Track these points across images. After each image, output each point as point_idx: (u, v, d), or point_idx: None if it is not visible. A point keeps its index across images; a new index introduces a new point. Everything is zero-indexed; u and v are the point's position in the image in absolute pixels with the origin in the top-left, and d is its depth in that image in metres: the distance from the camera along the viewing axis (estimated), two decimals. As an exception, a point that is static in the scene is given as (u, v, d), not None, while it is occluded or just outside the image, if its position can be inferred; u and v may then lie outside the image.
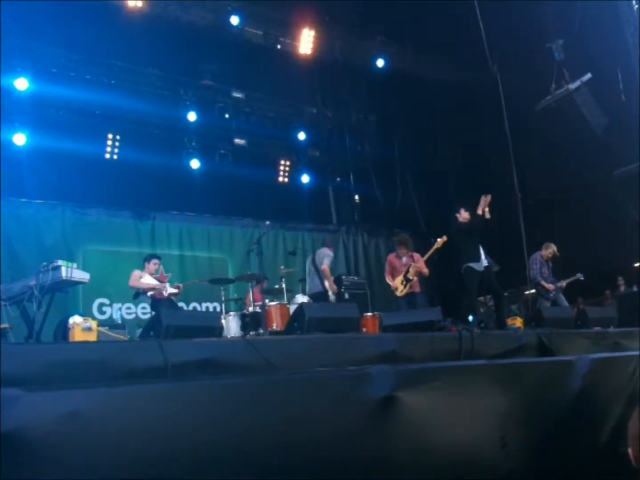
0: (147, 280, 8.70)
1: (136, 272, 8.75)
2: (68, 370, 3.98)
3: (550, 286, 9.87)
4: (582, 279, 10.10)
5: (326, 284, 9.85)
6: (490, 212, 8.27)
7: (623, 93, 10.62)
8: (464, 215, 8.47)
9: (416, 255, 9.59)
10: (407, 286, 9.26)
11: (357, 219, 15.21)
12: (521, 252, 9.22)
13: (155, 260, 9.00)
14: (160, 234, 11.72)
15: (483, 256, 8.20)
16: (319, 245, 13.58)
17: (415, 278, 9.32)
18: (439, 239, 9.31)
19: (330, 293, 9.83)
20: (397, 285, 9.35)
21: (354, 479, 3.34)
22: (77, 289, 9.29)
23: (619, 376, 4.57)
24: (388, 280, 9.63)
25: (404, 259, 9.53)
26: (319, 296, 9.76)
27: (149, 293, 8.63)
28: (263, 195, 13.21)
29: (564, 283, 10.07)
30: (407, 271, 9.32)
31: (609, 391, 4.47)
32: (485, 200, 8.23)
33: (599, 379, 4.47)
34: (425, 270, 9.40)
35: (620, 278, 11.80)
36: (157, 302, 8.57)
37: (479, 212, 8.26)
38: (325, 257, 10.01)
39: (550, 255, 10.14)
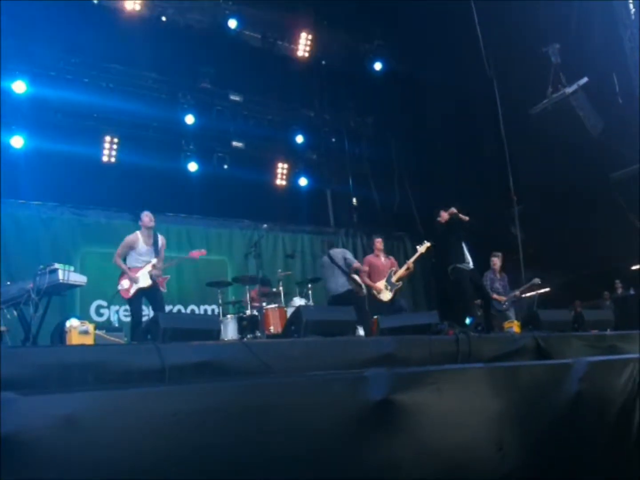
0: (131, 259, 7.73)
1: (128, 238, 7.77)
2: (65, 374, 3.98)
3: (501, 297, 9.86)
4: (539, 282, 10.03)
5: (358, 279, 9.35)
6: (464, 214, 8.27)
7: (620, 96, 10.64)
8: (443, 217, 8.43)
9: (393, 259, 9.61)
10: (393, 292, 9.17)
11: (356, 221, 15.18)
12: (517, 253, 9.24)
13: (147, 212, 7.89)
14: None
15: (468, 256, 8.21)
16: (318, 247, 13.57)
17: (400, 284, 9.27)
18: (422, 245, 9.31)
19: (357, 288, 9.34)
20: (381, 288, 9.12)
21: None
22: (75, 291, 9.20)
23: (616, 379, 4.57)
24: (366, 282, 9.26)
25: (383, 259, 9.44)
26: (347, 295, 9.18)
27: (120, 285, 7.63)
28: (261, 198, 13.23)
29: (517, 292, 10.01)
30: (390, 276, 9.25)
31: (606, 394, 4.48)
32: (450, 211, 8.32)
33: (596, 382, 4.47)
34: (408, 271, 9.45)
35: (617, 281, 11.82)
36: (135, 296, 7.63)
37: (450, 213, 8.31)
38: (348, 254, 9.59)
39: (497, 267, 10.11)
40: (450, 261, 8.19)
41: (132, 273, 7.58)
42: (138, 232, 7.85)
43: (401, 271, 9.26)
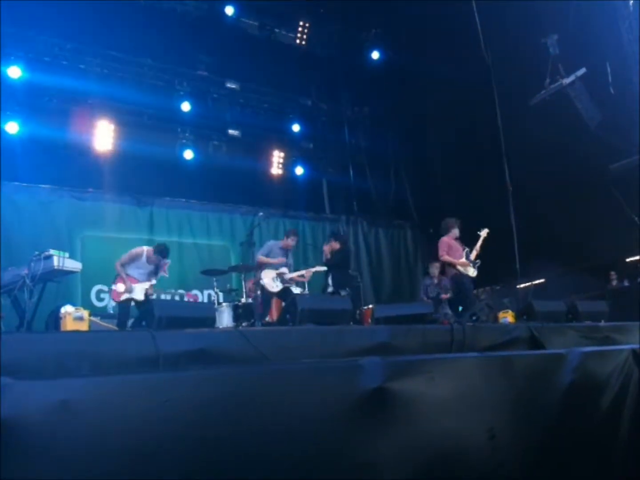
0: (131, 269, 8.00)
1: (134, 251, 8.07)
2: (59, 360, 3.98)
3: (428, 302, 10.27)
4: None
5: (262, 275, 8.85)
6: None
7: (617, 88, 10.62)
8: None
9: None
10: (476, 268, 9.03)
11: (356, 209, 15.15)
12: (512, 245, 9.25)
13: (166, 261, 8.23)
14: (160, 220, 11.71)
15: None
16: (318, 234, 13.59)
17: (479, 262, 9.11)
18: (482, 230, 9.19)
19: (265, 282, 8.75)
20: (467, 265, 8.97)
21: (346, 469, 3.35)
22: (76, 276, 9.12)
23: (609, 369, 4.59)
24: (446, 259, 9.07)
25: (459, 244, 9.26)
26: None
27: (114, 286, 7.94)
28: (258, 187, 13.23)
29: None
30: (468, 256, 9.03)
31: (599, 384, 4.49)
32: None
33: (590, 372, 4.49)
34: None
35: (612, 273, 11.84)
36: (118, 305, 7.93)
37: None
38: (264, 247, 9.20)
39: (436, 274, 10.72)
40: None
41: (130, 281, 7.86)
42: (146, 249, 8.10)
43: (474, 252, 9.09)
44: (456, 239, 9.23)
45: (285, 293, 8.66)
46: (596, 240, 10.72)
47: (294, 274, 8.97)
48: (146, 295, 7.89)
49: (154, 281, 8.04)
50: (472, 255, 9.04)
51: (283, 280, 8.73)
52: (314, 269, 9.23)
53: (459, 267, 8.94)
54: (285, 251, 9.01)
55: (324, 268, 9.29)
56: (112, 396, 2.87)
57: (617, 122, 10.80)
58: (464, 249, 9.12)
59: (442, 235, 9.24)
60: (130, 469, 2.77)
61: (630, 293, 10.45)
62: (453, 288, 9.43)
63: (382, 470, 3.44)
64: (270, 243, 9.09)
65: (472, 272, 8.99)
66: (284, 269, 8.77)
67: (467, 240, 9.18)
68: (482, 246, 9.13)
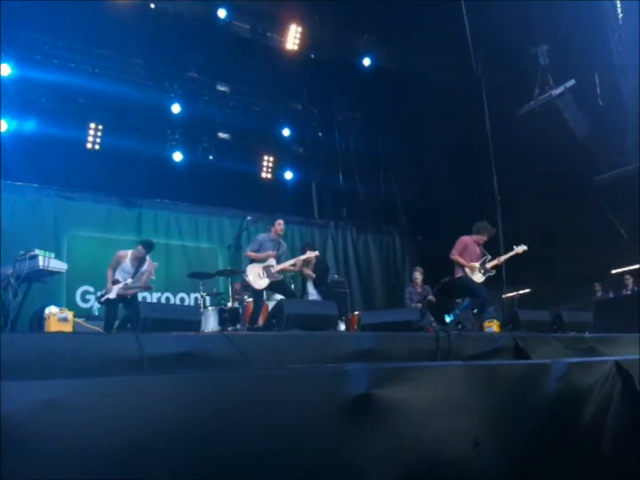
0: (117, 272, 8.05)
1: (118, 254, 8.17)
2: (42, 361, 3.95)
3: (417, 306, 10.53)
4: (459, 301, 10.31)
5: (247, 272, 8.58)
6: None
7: (605, 99, 10.73)
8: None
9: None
10: (486, 277, 8.90)
11: (346, 215, 15.16)
12: (499, 254, 9.27)
13: (154, 263, 8.26)
14: (148, 221, 11.64)
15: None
16: (307, 239, 13.52)
17: (494, 272, 9.00)
18: (519, 246, 9.11)
19: (250, 278, 8.45)
20: (475, 268, 8.83)
21: (330, 474, 3.34)
22: (61, 276, 9.01)
23: (593, 380, 4.61)
24: (455, 258, 8.84)
25: (478, 249, 9.07)
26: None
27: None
28: (247, 190, 13.21)
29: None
30: (484, 262, 8.91)
31: (583, 395, 4.51)
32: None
33: (574, 383, 4.51)
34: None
35: (596, 284, 11.91)
36: (107, 302, 7.97)
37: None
38: (254, 242, 8.95)
39: (419, 281, 11.07)
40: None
41: (110, 284, 7.97)
42: (129, 251, 8.17)
43: (495, 261, 8.98)
44: (479, 244, 9.05)
45: (278, 286, 8.59)
46: (582, 251, 10.78)
47: (285, 264, 8.79)
48: (118, 294, 7.89)
49: (129, 280, 7.98)
50: (490, 264, 8.94)
51: (269, 275, 8.46)
52: (303, 257, 9.14)
53: (467, 270, 8.84)
54: (276, 242, 8.80)
55: (315, 253, 9.27)
56: (98, 398, 2.85)
57: (605, 133, 10.89)
58: (483, 255, 8.99)
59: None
60: (116, 470, 2.76)
61: (614, 304, 10.52)
62: (460, 289, 9.32)
63: (366, 475, 3.44)
64: (260, 237, 8.92)
65: (478, 277, 8.86)
66: (272, 261, 8.57)
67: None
68: (508, 260, 9.12)
